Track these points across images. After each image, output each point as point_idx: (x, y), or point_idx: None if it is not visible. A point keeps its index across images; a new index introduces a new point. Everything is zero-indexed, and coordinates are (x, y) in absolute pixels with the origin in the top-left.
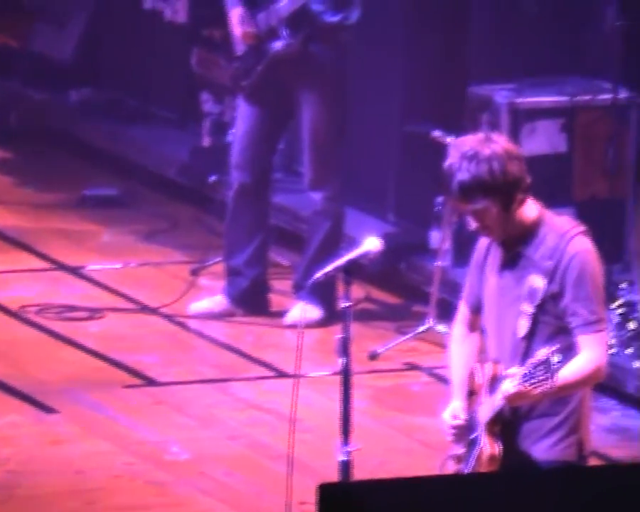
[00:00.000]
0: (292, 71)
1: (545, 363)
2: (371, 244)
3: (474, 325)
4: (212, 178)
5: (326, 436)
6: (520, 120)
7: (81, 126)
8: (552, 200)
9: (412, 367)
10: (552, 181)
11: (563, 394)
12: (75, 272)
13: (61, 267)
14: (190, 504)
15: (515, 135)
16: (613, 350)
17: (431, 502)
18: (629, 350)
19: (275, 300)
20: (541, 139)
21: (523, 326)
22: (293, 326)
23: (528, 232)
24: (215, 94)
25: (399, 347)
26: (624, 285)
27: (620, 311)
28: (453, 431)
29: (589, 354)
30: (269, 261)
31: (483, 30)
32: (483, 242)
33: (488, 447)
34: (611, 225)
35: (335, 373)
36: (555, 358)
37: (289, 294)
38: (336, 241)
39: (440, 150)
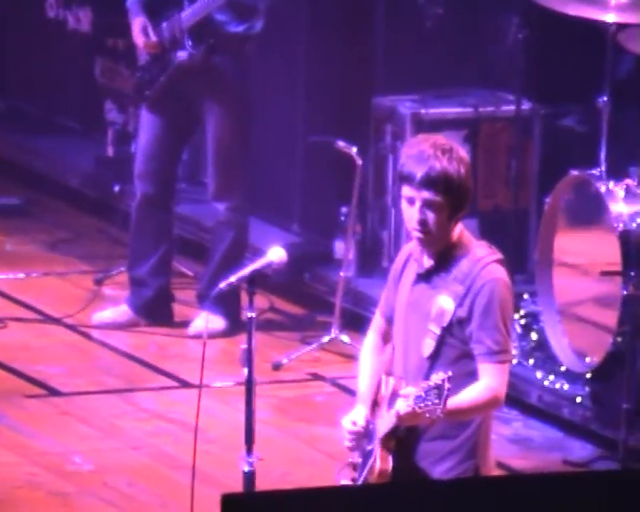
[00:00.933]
0: (196, 81)
1: (438, 388)
2: (275, 254)
3: (388, 336)
4: (116, 188)
5: (230, 446)
6: (424, 131)
7: None
8: None
9: (316, 377)
10: None
11: (456, 419)
12: None
13: None
14: None
15: None
16: (515, 361)
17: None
18: (531, 361)
19: (179, 310)
20: None
21: (429, 346)
22: (197, 336)
23: (447, 252)
24: (118, 103)
25: (303, 357)
26: (526, 296)
27: (522, 321)
28: (350, 437)
29: (487, 382)
30: (173, 271)
31: (387, 41)
32: (402, 254)
33: (380, 461)
34: (514, 235)
35: (239, 383)
36: (447, 385)
37: (193, 304)
38: (239, 251)
39: (344, 160)
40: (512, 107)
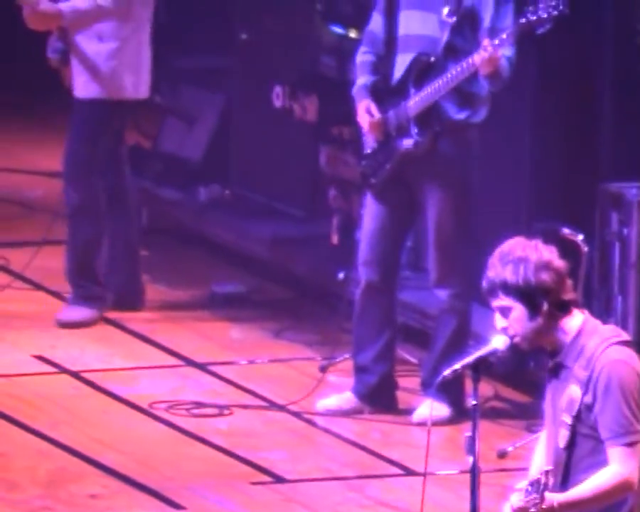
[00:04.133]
0: (419, 168)
1: (538, 482)
2: (499, 341)
3: None
4: (341, 275)
5: None
6: None
7: (209, 222)
8: None
9: None
10: None
11: (580, 509)
12: (204, 368)
13: (190, 363)
14: None
15: None
16: None
17: None
18: None
19: (403, 397)
20: None
21: (564, 437)
22: (421, 424)
23: (569, 343)
24: (342, 191)
25: (528, 445)
26: None
27: None
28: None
29: (614, 467)
30: (397, 358)
31: (615, 126)
32: None
33: None
34: None
35: (463, 472)
36: (544, 479)
37: (417, 391)
38: (462, 338)
39: (571, 247)
40: None
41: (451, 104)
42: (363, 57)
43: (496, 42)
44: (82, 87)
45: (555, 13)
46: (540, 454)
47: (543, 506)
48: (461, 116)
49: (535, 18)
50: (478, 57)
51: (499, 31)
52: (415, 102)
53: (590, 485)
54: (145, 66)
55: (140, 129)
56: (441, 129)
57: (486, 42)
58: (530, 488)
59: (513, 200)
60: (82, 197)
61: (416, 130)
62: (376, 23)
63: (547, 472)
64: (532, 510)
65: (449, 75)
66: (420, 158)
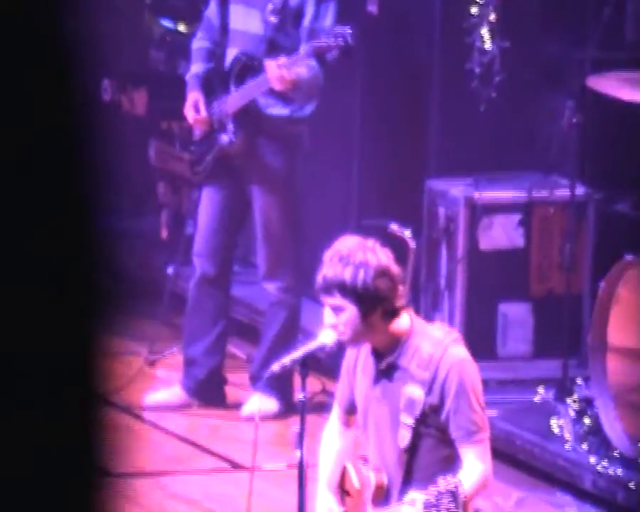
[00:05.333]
0: (245, 163)
1: (452, 494)
2: (327, 337)
3: (348, 423)
4: (170, 269)
5: None
6: (477, 214)
7: None
8: (508, 294)
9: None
10: (508, 276)
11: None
12: None
13: None
14: None
15: (472, 229)
16: (568, 445)
17: None
18: (584, 446)
19: (231, 392)
20: (498, 234)
21: (404, 438)
22: (249, 419)
23: (400, 343)
24: (171, 185)
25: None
26: (579, 381)
27: (576, 406)
28: None
29: (477, 466)
30: (227, 352)
31: (441, 124)
32: (352, 350)
33: None
34: (567, 320)
35: (291, 466)
36: (462, 489)
37: (246, 386)
38: (292, 333)
39: (398, 243)
40: (566, 192)
41: (276, 101)
42: (198, 43)
43: (284, 61)
44: None
45: (342, 43)
46: (332, 452)
47: None
48: (285, 112)
49: (325, 44)
50: (269, 75)
51: (318, 32)
52: (233, 99)
53: (469, 490)
54: None
55: None
56: (260, 128)
57: (281, 60)
58: (434, 501)
59: (342, 196)
60: None
61: (232, 128)
62: (212, 10)
63: (460, 482)
64: None
65: (247, 87)
66: (242, 155)
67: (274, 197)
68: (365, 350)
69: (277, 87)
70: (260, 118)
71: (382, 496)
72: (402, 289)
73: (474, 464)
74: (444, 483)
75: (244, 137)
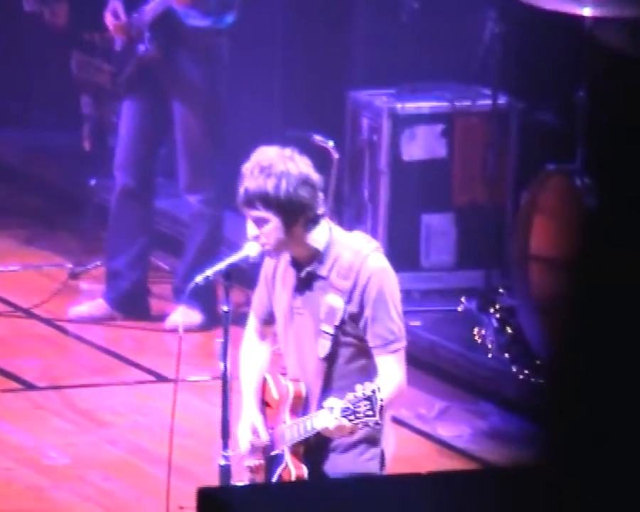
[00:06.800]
0: (160, 76)
1: (369, 399)
2: (251, 249)
3: (265, 334)
4: (92, 182)
5: (206, 440)
6: (400, 125)
7: None
8: (431, 205)
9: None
10: (431, 187)
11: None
12: None
13: None
14: (69, 509)
15: (395, 140)
16: (491, 355)
17: (305, 504)
18: (507, 355)
19: (155, 304)
20: (421, 145)
21: (324, 347)
22: (173, 330)
23: (320, 253)
24: (94, 97)
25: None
26: (502, 290)
27: (498, 315)
28: (252, 447)
29: (393, 375)
30: (150, 265)
31: (364, 35)
32: (270, 259)
33: (294, 469)
34: (490, 230)
35: (215, 378)
36: (379, 395)
37: (170, 298)
38: (215, 244)
39: (321, 154)
40: (489, 102)
41: (194, 11)
42: None
43: None
44: None
45: None
46: (251, 365)
47: (379, 421)
48: (205, 23)
49: None
50: None
51: None
52: (150, 7)
53: (385, 396)
54: None
55: None
56: (179, 38)
57: None
58: (352, 407)
59: (265, 107)
60: None
61: (148, 36)
62: None
63: (379, 388)
64: (359, 427)
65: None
66: (160, 67)
67: (194, 109)
68: (284, 260)
69: (179, 2)
70: (179, 28)
71: (300, 405)
72: (321, 196)
73: (390, 372)
74: (361, 388)
75: (161, 47)
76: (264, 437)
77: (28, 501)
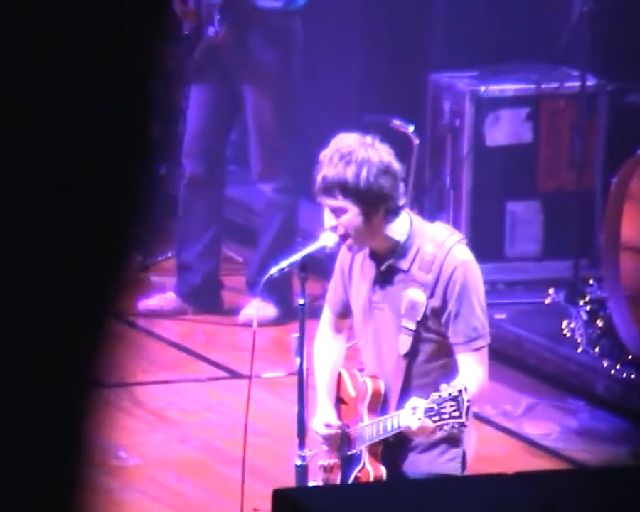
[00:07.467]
0: (230, 59)
1: (455, 400)
2: (328, 239)
3: (340, 328)
4: (162, 170)
5: (281, 439)
6: (483, 109)
7: None
8: (516, 192)
9: None
10: (516, 173)
11: None
12: None
13: None
14: (139, 511)
15: (478, 124)
16: (580, 349)
17: (383, 506)
18: (597, 349)
19: (228, 297)
20: (505, 129)
21: (405, 343)
22: (247, 325)
23: (401, 245)
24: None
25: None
26: (591, 281)
27: (588, 308)
28: (326, 442)
29: (474, 374)
30: (222, 256)
31: (445, 16)
32: (346, 251)
33: (372, 470)
34: (578, 218)
35: (290, 374)
36: (466, 396)
37: (243, 291)
38: (289, 235)
39: (400, 140)
40: (576, 84)
41: None
42: None
43: None
44: None
45: None
46: (326, 360)
47: (465, 422)
48: (277, 4)
49: None
50: None
51: None
52: None
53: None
54: None
55: None
56: (250, 20)
57: None
58: (436, 408)
59: (342, 92)
60: None
61: (218, 18)
62: None
63: (465, 388)
64: (445, 428)
65: None
66: (230, 50)
67: (266, 93)
68: (362, 252)
69: None
70: (250, 10)
71: (378, 403)
72: (402, 187)
73: (472, 371)
74: (446, 388)
75: (232, 29)
76: (335, 424)
77: (96, 503)
